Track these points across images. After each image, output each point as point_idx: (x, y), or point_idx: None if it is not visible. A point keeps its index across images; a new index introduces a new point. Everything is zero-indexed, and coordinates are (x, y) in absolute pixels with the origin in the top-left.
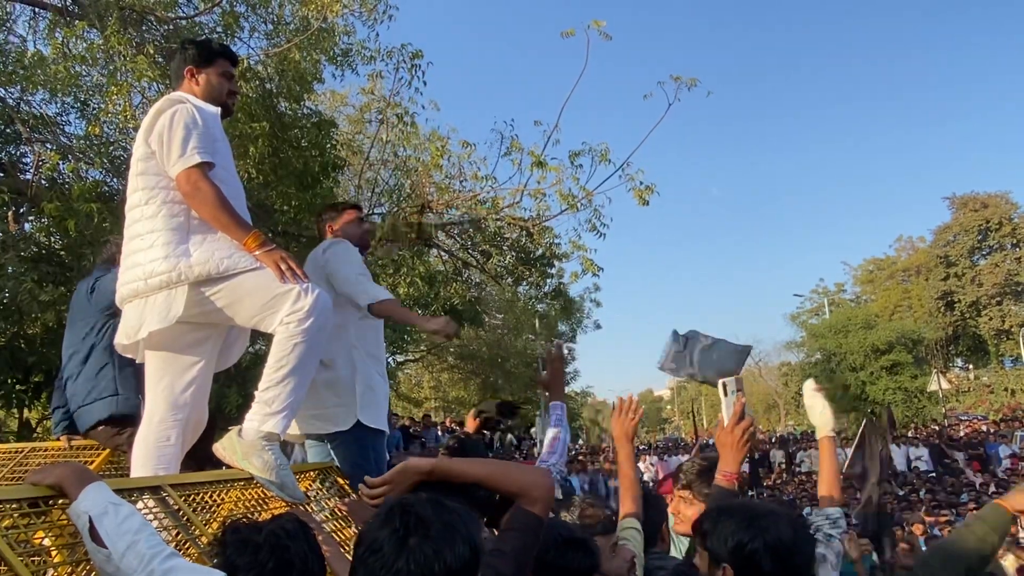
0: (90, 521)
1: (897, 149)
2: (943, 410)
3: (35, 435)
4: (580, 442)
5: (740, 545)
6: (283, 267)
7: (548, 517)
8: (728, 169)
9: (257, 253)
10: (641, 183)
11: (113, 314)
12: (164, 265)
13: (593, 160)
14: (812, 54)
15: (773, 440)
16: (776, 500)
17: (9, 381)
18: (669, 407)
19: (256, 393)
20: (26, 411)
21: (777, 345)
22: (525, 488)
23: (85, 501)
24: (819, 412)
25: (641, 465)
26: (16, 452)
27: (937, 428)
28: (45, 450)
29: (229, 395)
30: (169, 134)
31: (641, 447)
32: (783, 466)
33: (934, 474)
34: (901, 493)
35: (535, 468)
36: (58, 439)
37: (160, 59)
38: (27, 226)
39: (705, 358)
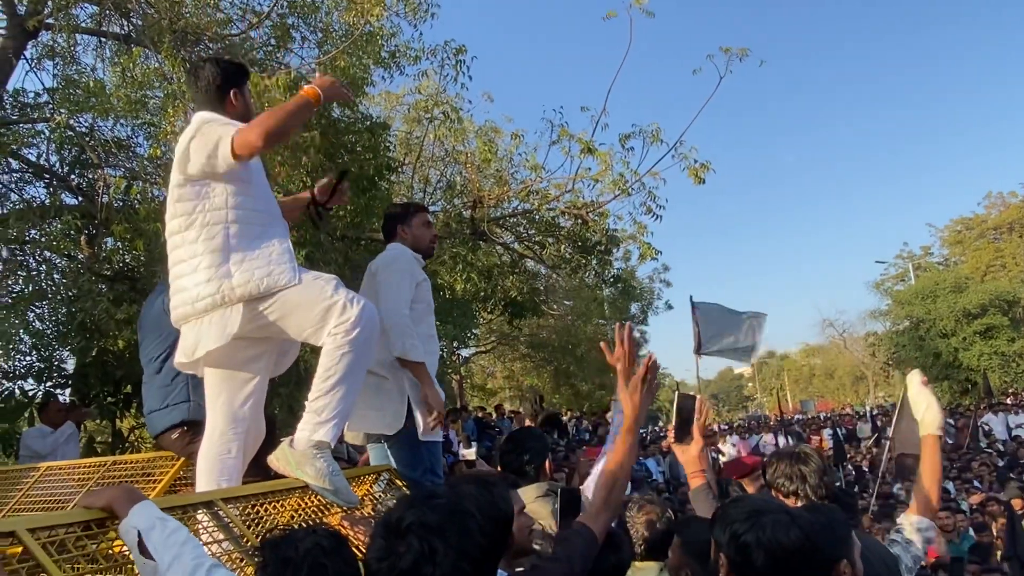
0: (139, 535)
1: (980, 102)
2: None
3: (127, 444)
4: (660, 423)
5: (735, 535)
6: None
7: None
8: (803, 137)
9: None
10: (695, 161)
11: None
12: (208, 288)
13: (644, 142)
14: (887, 14)
15: (862, 413)
16: (860, 476)
17: (102, 394)
18: (751, 384)
19: (306, 403)
20: (118, 421)
21: (862, 314)
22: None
23: (134, 518)
24: (923, 408)
25: (722, 446)
26: (100, 465)
27: None
28: (125, 462)
29: (302, 398)
30: (206, 136)
31: (722, 426)
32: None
33: None
34: (1001, 464)
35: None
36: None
37: None
38: (107, 243)
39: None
